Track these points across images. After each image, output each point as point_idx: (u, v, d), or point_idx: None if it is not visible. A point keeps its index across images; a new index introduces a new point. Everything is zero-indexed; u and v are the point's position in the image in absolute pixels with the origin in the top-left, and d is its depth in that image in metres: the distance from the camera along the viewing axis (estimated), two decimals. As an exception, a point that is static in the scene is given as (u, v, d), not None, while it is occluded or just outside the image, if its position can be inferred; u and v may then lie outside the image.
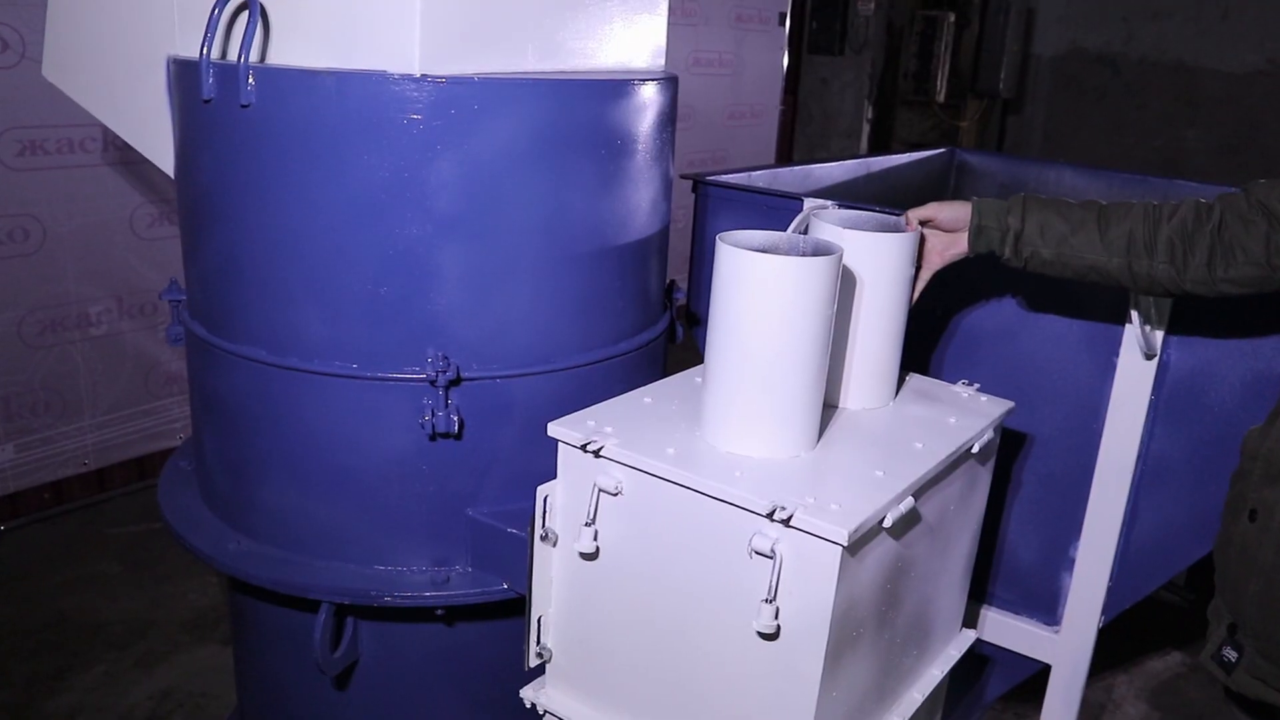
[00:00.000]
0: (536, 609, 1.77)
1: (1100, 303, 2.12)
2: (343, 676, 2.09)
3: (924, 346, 2.33)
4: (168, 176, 2.09)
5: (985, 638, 2.42)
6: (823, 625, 1.45)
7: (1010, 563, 2.39)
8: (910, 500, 1.55)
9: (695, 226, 2.70)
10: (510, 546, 1.89)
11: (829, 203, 2.23)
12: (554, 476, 1.71)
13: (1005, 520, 2.36)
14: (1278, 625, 1.52)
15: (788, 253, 1.64)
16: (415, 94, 1.71)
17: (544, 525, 1.72)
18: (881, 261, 1.78)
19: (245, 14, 1.76)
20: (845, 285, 1.74)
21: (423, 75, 1.71)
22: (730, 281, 1.58)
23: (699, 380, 1.88)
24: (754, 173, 2.90)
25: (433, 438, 1.87)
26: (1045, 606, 2.36)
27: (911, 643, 1.82)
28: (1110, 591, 2.27)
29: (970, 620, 2.19)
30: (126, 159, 3.70)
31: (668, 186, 2.13)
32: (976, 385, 1.98)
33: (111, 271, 3.80)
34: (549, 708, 1.82)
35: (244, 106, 1.75)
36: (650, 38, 2.14)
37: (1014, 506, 2.35)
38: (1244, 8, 7.30)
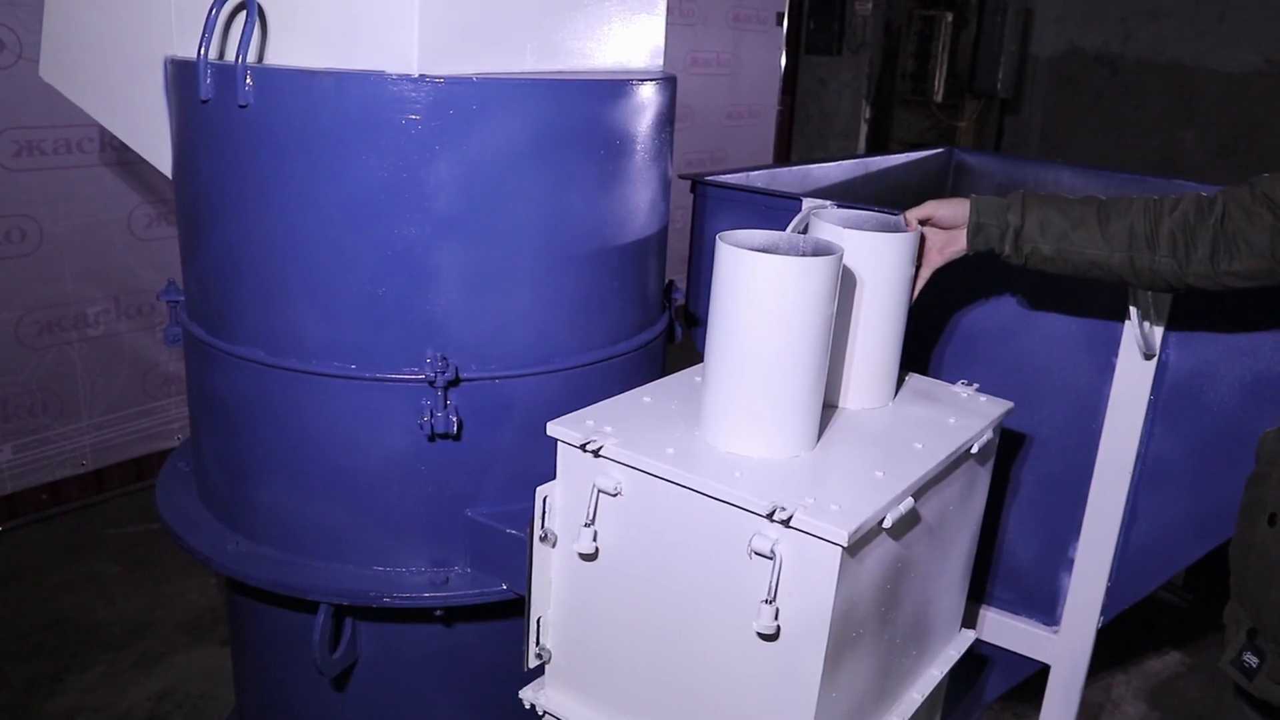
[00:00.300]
0: (536, 610, 1.77)
1: (1099, 302, 2.11)
2: (341, 677, 2.08)
3: (923, 346, 2.33)
4: (165, 177, 2.08)
5: (984, 638, 2.42)
6: (822, 626, 1.45)
7: (1009, 563, 2.39)
8: (910, 501, 1.55)
9: (694, 227, 2.70)
10: (509, 547, 1.88)
11: (828, 203, 2.23)
12: (553, 477, 1.71)
13: (1004, 520, 2.36)
14: None
15: (787, 252, 1.63)
16: (414, 94, 1.71)
17: (543, 526, 1.71)
18: (881, 261, 1.78)
19: (243, 14, 1.76)
20: (845, 285, 1.74)
21: (421, 75, 1.71)
22: (730, 281, 1.58)
23: (698, 380, 1.87)
24: (752, 173, 2.90)
25: (431, 438, 1.87)
26: (1044, 606, 2.36)
27: (911, 643, 1.82)
28: (1109, 592, 2.27)
29: (969, 620, 2.19)
30: (124, 159, 3.69)
31: (666, 187, 2.12)
32: (976, 385, 1.98)
33: (109, 272, 3.80)
34: (548, 708, 1.82)
35: (242, 107, 1.75)
36: (648, 38, 2.14)
37: (1013, 506, 2.35)
38: (1241, 8, 7.31)
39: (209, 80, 1.78)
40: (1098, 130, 8.05)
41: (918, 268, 1.86)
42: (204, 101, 1.80)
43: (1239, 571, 1.65)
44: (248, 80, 1.74)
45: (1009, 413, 1.92)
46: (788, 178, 3.05)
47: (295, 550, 1.98)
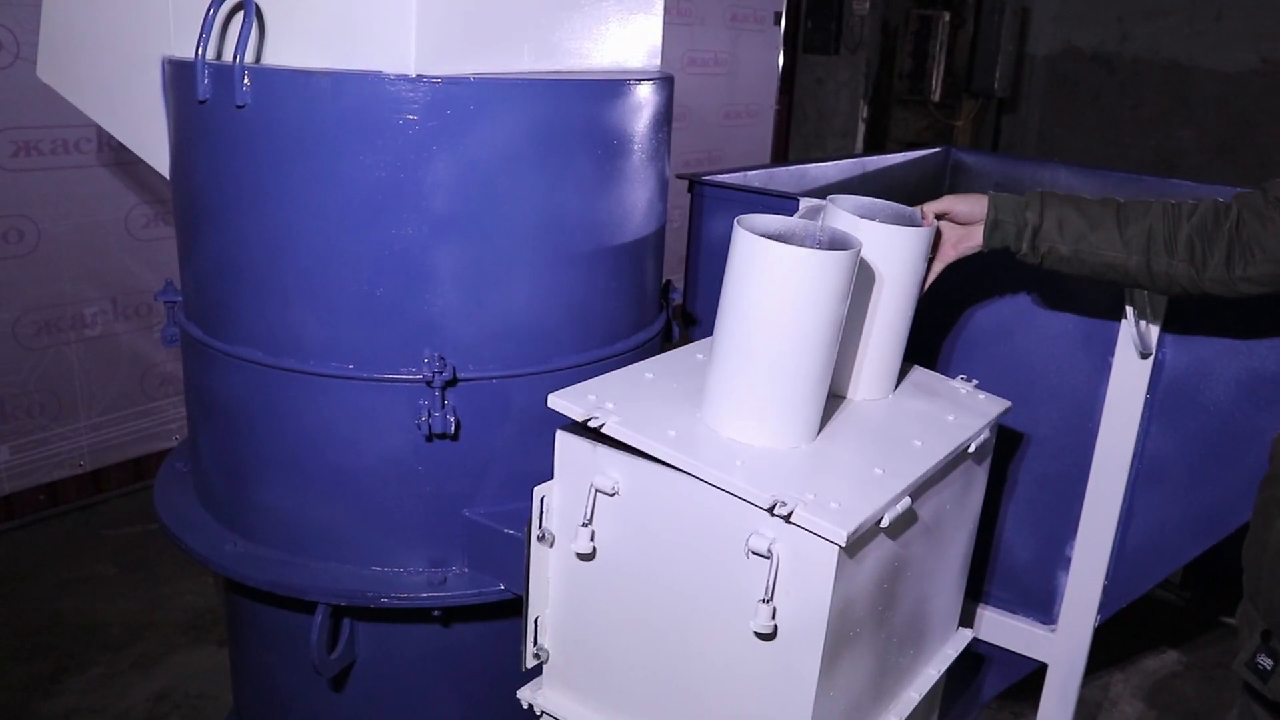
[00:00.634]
0: (533, 610, 1.77)
1: (1096, 301, 2.12)
2: (339, 678, 2.08)
3: (920, 343, 2.33)
4: (163, 177, 2.08)
5: (982, 637, 2.42)
6: (819, 625, 1.45)
7: (1006, 562, 2.39)
8: (907, 500, 1.55)
9: (691, 226, 2.70)
10: (507, 547, 1.89)
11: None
12: (551, 477, 1.71)
13: (1001, 519, 2.37)
14: None
15: (803, 240, 1.62)
16: (411, 94, 1.71)
17: (541, 526, 1.72)
18: (895, 255, 1.75)
19: (240, 14, 1.76)
20: (858, 276, 1.73)
21: (418, 75, 1.71)
22: (745, 267, 1.55)
23: (700, 357, 1.86)
24: (749, 172, 2.90)
25: (429, 438, 1.87)
26: (1041, 605, 2.37)
27: (908, 642, 1.82)
28: (1106, 590, 2.28)
29: (967, 619, 2.20)
30: (121, 160, 3.69)
31: (664, 186, 2.13)
32: (975, 382, 1.98)
33: (107, 272, 3.79)
34: (546, 708, 1.82)
35: (239, 107, 1.75)
36: (646, 37, 2.14)
37: (1010, 505, 2.36)
38: (1237, 7, 7.32)
39: (206, 80, 1.78)
40: (1095, 129, 8.06)
41: (930, 261, 1.85)
42: (201, 102, 1.80)
43: (1253, 572, 1.64)
44: (245, 80, 1.74)
45: (1006, 412, 1.92)
46: (785, 177, 3.06)
47: (293, 550, 1.98)
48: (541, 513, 1.71)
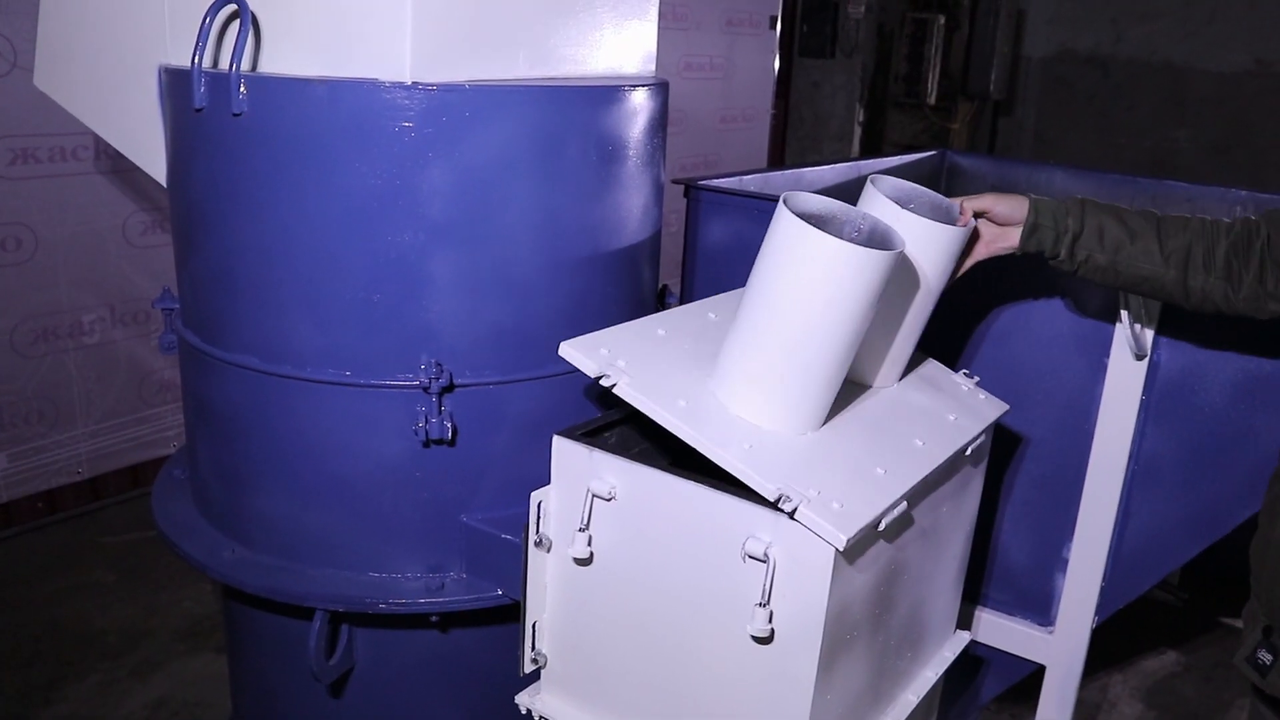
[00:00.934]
0: (531, 615, 1.77)
1: (1090, 304, 2.12)
2: (338, 684, 2.09)
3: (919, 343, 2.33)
4: (160, 185, 2.09)
5: (979, 639, 2.42)
6: (816, 628, 1.46)
7: (1003, 564, 2.39)
8: (905, 504, 1.56)
9: (687, 231, 2.70)
10: (504, 552, 1.89)
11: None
12: (548, 482, 1.71)
13: (998, 521, 2.37)
14: None
15: (844, 225, 1.59)
16: (406, 101, 1.71)
17: (538, 531, 1.72)
18: (930, 250, 1.71)
19: (236, 22, 1.76)
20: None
21: (414, 83, 1.71)
22: (783, 249, 1.51)
23: (712, 316, 1.83)
24: (745, 177, 2.91)
25: (426, 444, 1.87)
26: (1039, 607, 2.37)
27: (906, 645, 1.82)
28: (1103, 591, 2.28)
29: (964, 622, 2.20)
30: (119, 167, 3.69)
31: (659, 191, 2.13)
32: (976, 379, 1.98)
33: (104, 280, 3.80)
34: (544, 713, 1.82)
35: (236, 115, 1.76)
36: (641, 43, 2.15)
37: (1007, 507, 2.36)
38: (1231, 9, 7.33)
39: (203, 88, 1.78)
40: (1090, 131, 8.07)
41: (961, 258, 1.82)
42: (198, 110, 1.80)
43: (1258, 568, 1.65)
44: (241, 88, 1.74)
45: (1003, 414, 1.93)
46: (781, 181, 3.06)
47: (291, 557, 1.98)
48: (538, 518, 1.71)
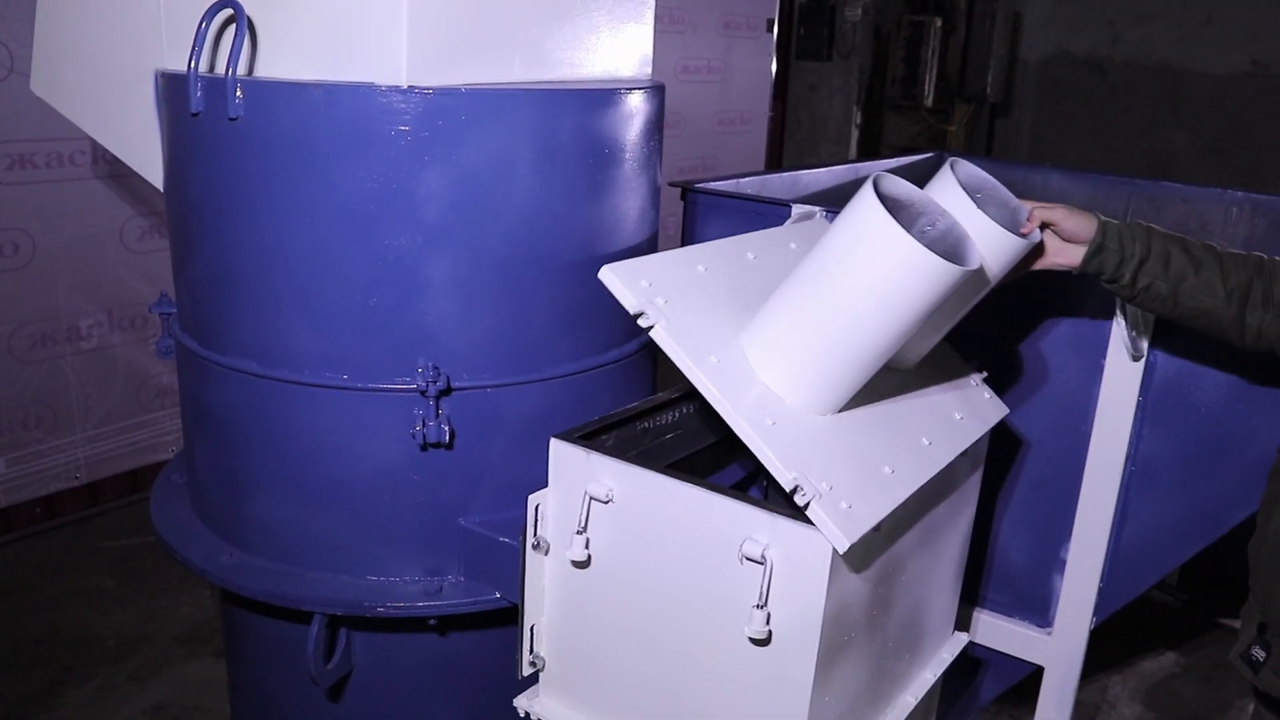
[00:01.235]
0: (529, 617, 1.77)
1: (1087, 305, 2.13)
2: (336, 687, 2.09)
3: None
4: (157, 190, 2.09)
5: (978, 640, 2.42)
6: (814, 630, 1.46)
7: (1001, 565, 2.39)
8: (904, 506, 1.56)
9: (684, 234, 2.71)
10: (502, 555, 1.89)
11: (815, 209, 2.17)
12: (545, 485, 1.71)
13: (996, 522, 2.37)
14: None
15: (920, 214, 1.55)
16: (403, 105, 1.72)
17: (536, 534, 1.72)
18: (990, 254, 1.64)
19: (232, 27, 1.77)
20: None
21: (410, 87, 1.72)
22: (860, 233, 1.47)
23: (750, 257, 1.77)
24: (742, 179, 2.91)
25: (424, 448, 1.87)
26: (1037, 608, 2.37)
27: (904, 646, 1.82)
28: (1101, 592, 2.28)
29: (963, 623, 2.20)
30: (116, 172, 3.70)
31: (655, 194, 2.14)
32: (985, 374, 1.97)
33: (102, 285, 3.80)
34: (543, 716, 1.82)
35: (232, 119, 1.76)
36: (637, 46, 2.15)
37: (1004, 509, 2.36)
38: (1227, 10, 7.34)
39: (199, 93, 1.79)
40: (1087, 132, 8.08)
41: (1017, 266, 1.76)
42: (194, 114, 1.80)
43: (1254, 565, 1.66)
44: (238, 93, 1.75)
45: (1004, 417, 1.93)
46: (778, 184, 3.07)
47: (289, 561, 1.98)
48: (536, 521, 1.71)
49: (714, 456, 2.02)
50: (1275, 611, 1.58)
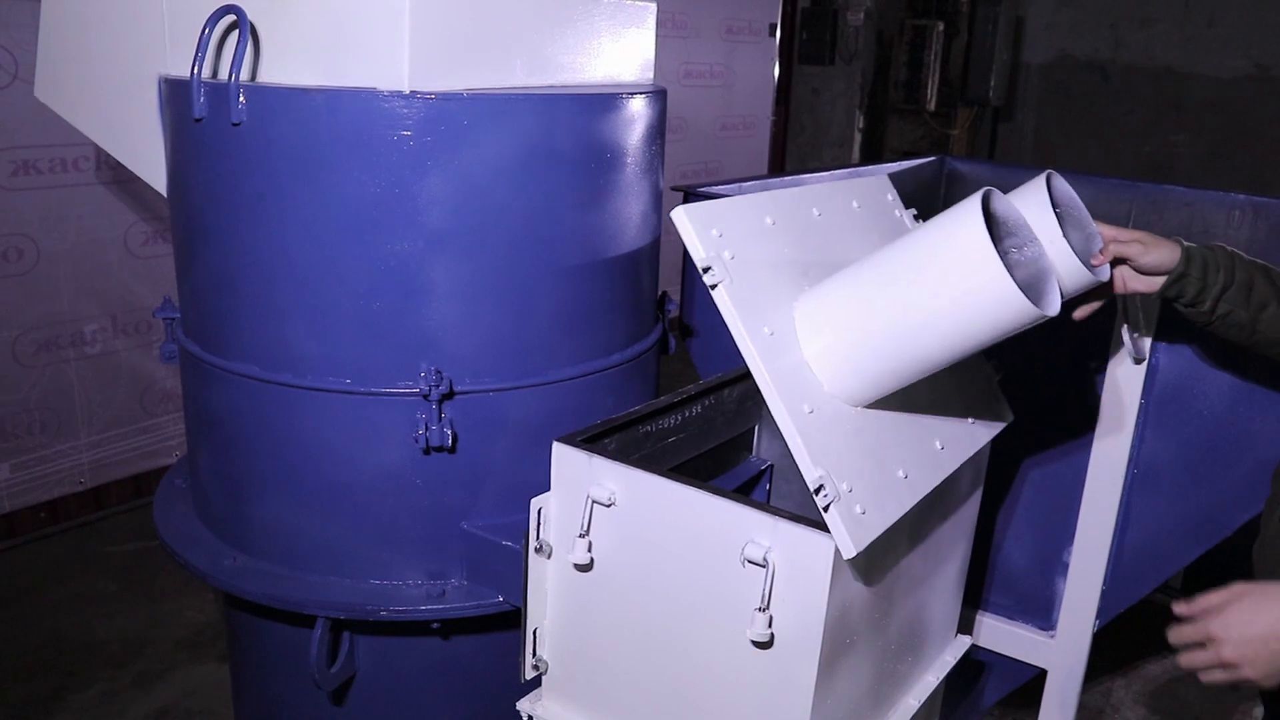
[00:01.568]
0: (532, 621, 1.77)
1: (1089, 308, 2.13)
2: (340, 691, 2.09)
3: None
4: (161, 195, 2.10)
5: (981, 643, 2.42)
6: (816, 633, 1.46)
7: (1004, 568, 2.39)
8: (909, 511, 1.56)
9: (686, 238, 2.71)
10: (505, 559, 1.89)
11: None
12: (548, 488, 1.72)
13: (999, 525, 2.37)
14: None
15: (1012, 234, 1.49)
16: (405, 110, 1.72)
17: (538, 537, 1.72)
18: (1060, 283, 1.57)
19: (235, 33, 1.77)
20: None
21: (412, 92, 1.72)
22: (955, 245, 1.42)
23: (815, 213, 1.69)
24: (744, 183, 2.91)
25: (426, 451, 1.88)
26: (1040, 611, 2.37)
27: (906, 649, 1.82)
28: (1104, 595, 2.28)
29: (965, 626, 2.20)
30: (119, 178, 3.71)
31: (658, 198, 2.14)
32: (1000, 375, 1.97)
33: (106, 290, 3.81)
34: (545, 719, 1.82)
35: (235, 125, 1.77)
36: (639, 51, 2.16)
37: (1007, 511, 2.36)
38: (1229, 14, 7.35)
39: (202, 99, 1.79)
40: (1090, 136, 8.08)
41: (1089, 294, 1.72)
42: (197, 120, 1.81)
43: (1258, 568, 1.67)
44: (241, 98, 1.75)
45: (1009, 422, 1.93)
46: (779, 188, 3.07)
47: (292, 565, 1.99)
48: (539, 524, 1.71)
49: (716, 460, 2.02)
50: None
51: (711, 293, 1.45)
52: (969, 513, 1.95)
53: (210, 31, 1.78)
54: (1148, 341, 2.08)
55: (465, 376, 1.87)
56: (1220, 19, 7.40)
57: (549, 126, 1.84)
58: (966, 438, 1.76)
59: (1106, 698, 3.22)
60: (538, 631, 1.78)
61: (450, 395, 1.86)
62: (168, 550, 2.10)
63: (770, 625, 1.47)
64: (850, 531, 1.39)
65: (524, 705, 1.85)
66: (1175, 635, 1.43)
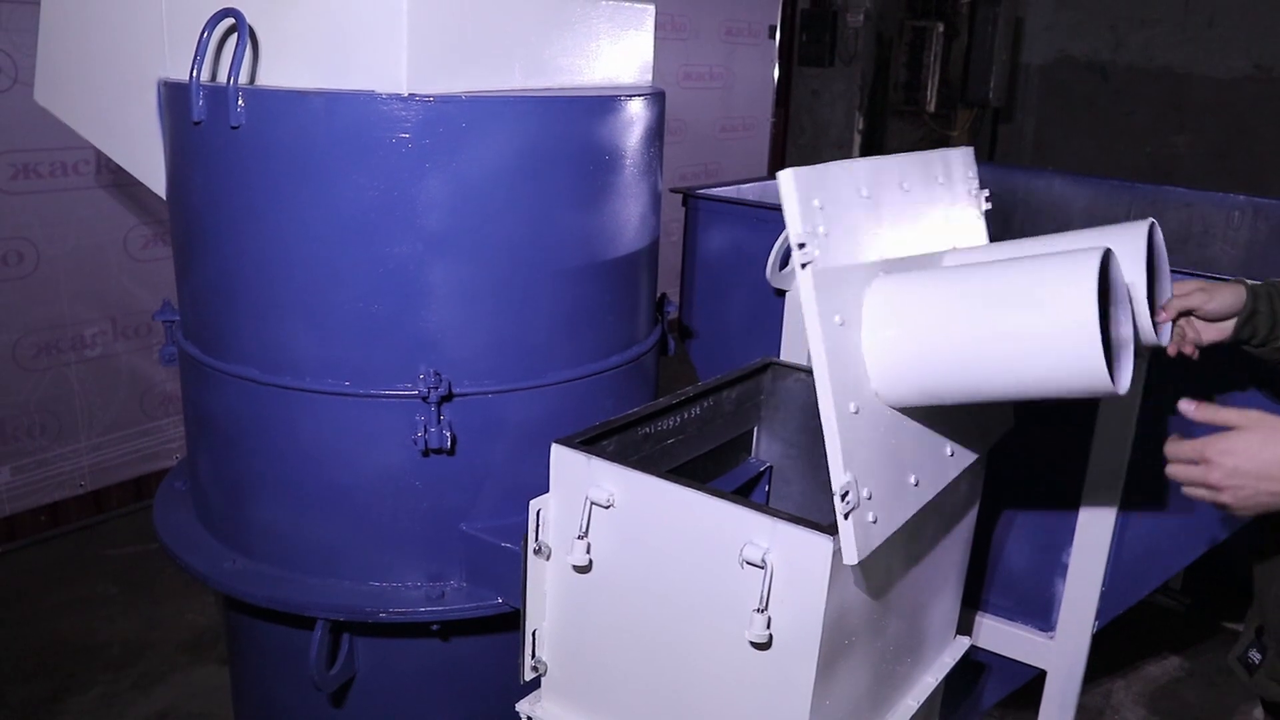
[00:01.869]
0: (531, 622, 1.77)
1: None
2: (339, 693, 2.09)
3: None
4: (161, 198, 2.10)
5: (980, 644, 2.42)
6: (814, 634, 1.46)
7: (1004, 569, 2.40)
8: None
9: (686, 240, 2.71)
10: (504, 561, 1.90)
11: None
12: (547, 490, 1.72)
13: (998, 526, 2.37)
14: None
15: (1115, 302, 1.45)
16: (403, 113, 1.73)
17: (537, 539, 1.72)
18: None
19: (234, 36, 1.78)
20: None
21: (410, 94, 1.73)
22: (1058, 302, 1.37)
23: (904, 187, 1.63)
24: (743, 185, 2.92)
25: (425, 454, 1.88)
26: (1039, 612, 2.37)
27: (905, 650, 1.82)
28: (1103, 596, 2.28)
29: (965, 627, 2.20)
30: (119, 181, 3.71)
31: (656, 200, 2.14)
32: None
33: (106, 293, 3.81)
34: (545, 721, 1.83)
35: (234, 128, 1.77)
36: (637, 53, 2.16)
37: (1007, 513, 2.36)
38: (1229, 14, 7.35)
39: (201, 102, 1.80)
40: (1090, 137, 8.08)
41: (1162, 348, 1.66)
42: (196, 123, 1.81)
43: (1257, 569, 1.67)
44: (239, 101, 1.75)
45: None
46: (778, 190, 3.07)
47: (292, 567, 1.99)
48: (538, 526, 1.72)
49: (716, 461, 2.02)
50: (1272, 615, 1.58)
51: (798, 270, 1.37)
52: (969, 513, 1.96)
53: (209, 34, 1.78)
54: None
55: (464, 378, 1.87)
56: (1220, 19, 7.40)
57: (547, 129, 1.84)
58: (973, 443, 1.77)
59: (1106, 699, 3.21)
60: (537, 633, 1.79)
61: (449, 397, 1.86)
62: (168, 553, 2.10)
63: (769, 626, 1.47)
64: (859, 540, 1.40)
65: (523, 707, 1.85)
66: (1173, 448, 1.39)
